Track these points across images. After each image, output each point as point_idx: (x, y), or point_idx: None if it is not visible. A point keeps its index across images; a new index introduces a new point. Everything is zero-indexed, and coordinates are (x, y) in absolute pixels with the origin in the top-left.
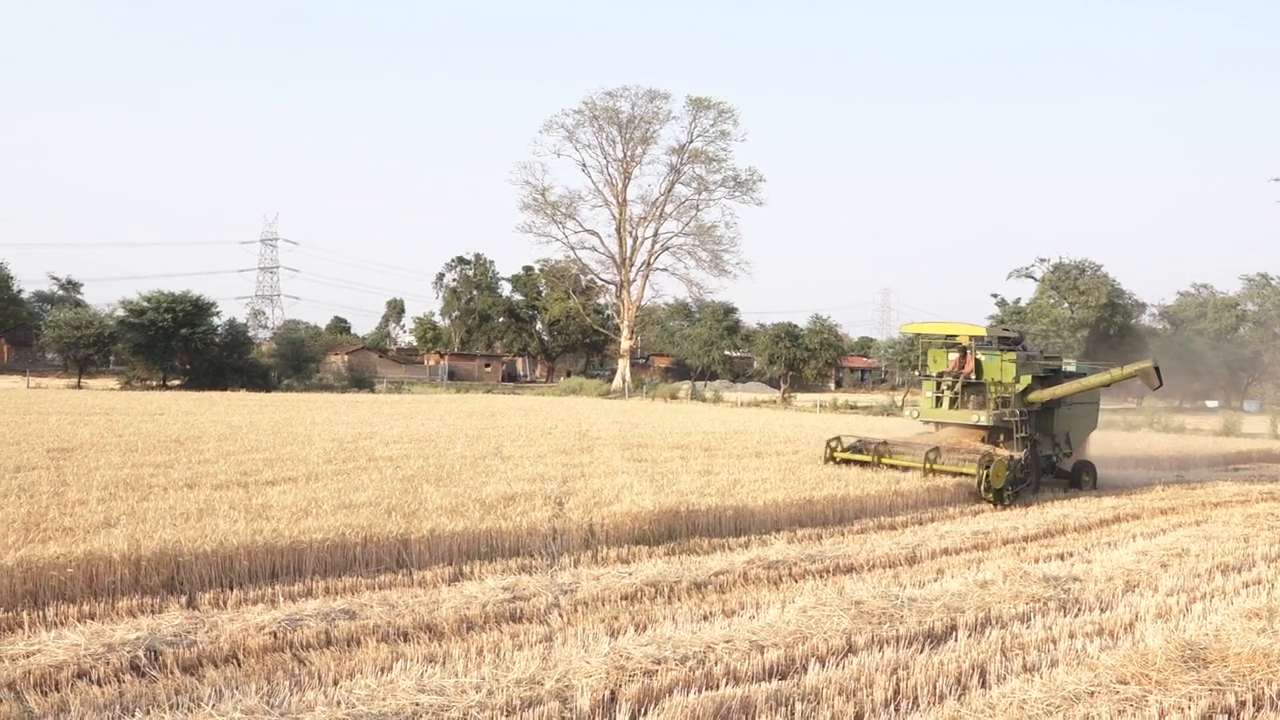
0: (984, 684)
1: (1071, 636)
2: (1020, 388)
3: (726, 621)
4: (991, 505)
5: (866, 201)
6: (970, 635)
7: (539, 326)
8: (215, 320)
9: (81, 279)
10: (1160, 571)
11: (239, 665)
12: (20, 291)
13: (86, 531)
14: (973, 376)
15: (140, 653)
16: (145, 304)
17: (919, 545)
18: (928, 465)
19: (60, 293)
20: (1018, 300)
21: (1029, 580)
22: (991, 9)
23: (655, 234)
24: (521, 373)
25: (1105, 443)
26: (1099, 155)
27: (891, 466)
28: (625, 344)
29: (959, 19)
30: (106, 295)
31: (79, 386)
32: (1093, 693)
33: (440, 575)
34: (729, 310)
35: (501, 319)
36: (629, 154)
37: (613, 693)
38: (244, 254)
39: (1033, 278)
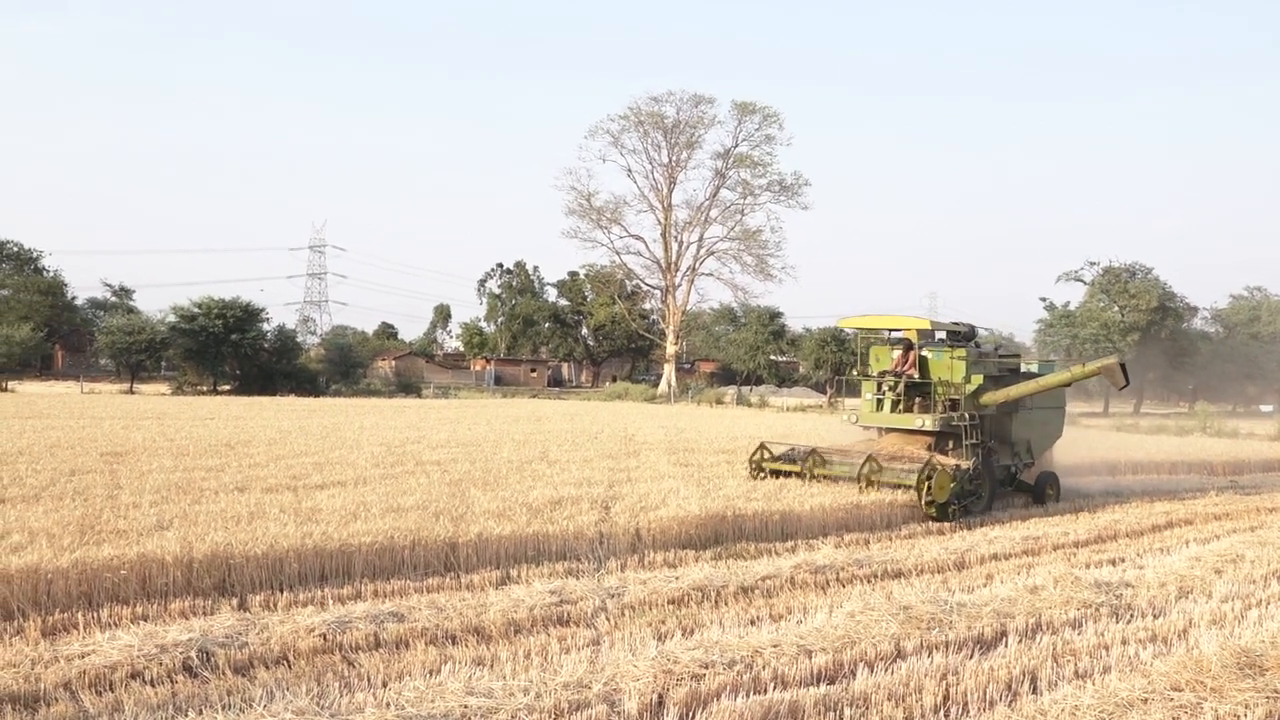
0: (1035, 690)
1: (1124, 643)
2: (971, 389)
3: (774, 626)
4: (934, 521)
5: (913, 203)
6: (1021, 641)
7: (584, 332)
8: (265, 326)
9: (134, 285)
10: (1214, 578)
11: (289, 667)
12: (74, 298)
13: (140, 534)
14: (915, 376)
15: (193, 654)
16: (196, 310)
17: (967, 550)
18: (863, 477)
19: (113, 299)
20: (1066, 304)
21: (1080, 586)
22: (1037, 7)
23: (700, 239)
24: (567, 378)
25: (1156, 447)
26: (1150, 155)
27: (823, 478)
28: (670, 349)
29: (1007, 18)
30: (158, 301)
31: (131, 391)
32: (1146, 700)
33: (488, 579)
34: (774, 314)
35: (547, 324)
36: (674, 159)
37: (660, 696)
38: (293, 260)
39: (1082, 281)
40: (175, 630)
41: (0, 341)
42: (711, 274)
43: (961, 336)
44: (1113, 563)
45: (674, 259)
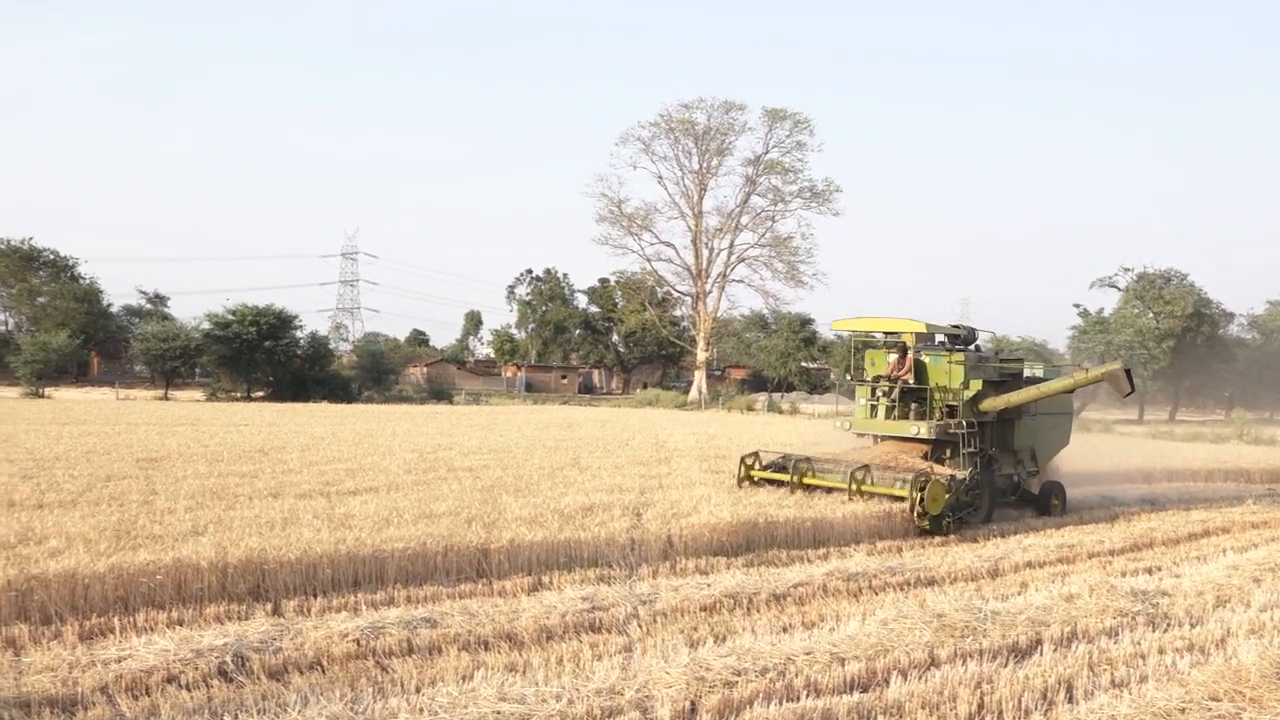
0: (1071, 699)
1: (1161, 652)
2: (970, 394)
3: (806, 633)
4: (927, 534)
5: (945, 208)
6: (1056, 650)
7: (615, 338)
8: (298, 333)
9: (169, 293)
10: (1253, 586)
11: (323, 672)
12: (110, 305)
13: (175, 539)
14: (910, 381)
15: (228, 658)
16: (230, 317)
17: (1001, 558)
18: (854, 486)
19: (148, 306)
20: (1100, 310)
21: (1116, 594)
22: (1069, 13)
23: (731, 245)
24: (598, 384)
25: (1192, 455)
26: (1185, 159)
27: (813, 487)
28: (701, 356)
29: (1040, 25)
30: (193, 309)
31: (166, 398)
32: (1184, 709)
33: (520, 585)
34: (805, 321)
35: (578, 331)
36: (705, 165)
37: (693, 703)
38: (325, 268)
39: (1116, 287)
40: (210, 635)
41: (38, 348)
42: (742, 280)
43: (960, 340)
44: (1149, 571)
45: (704, 265)
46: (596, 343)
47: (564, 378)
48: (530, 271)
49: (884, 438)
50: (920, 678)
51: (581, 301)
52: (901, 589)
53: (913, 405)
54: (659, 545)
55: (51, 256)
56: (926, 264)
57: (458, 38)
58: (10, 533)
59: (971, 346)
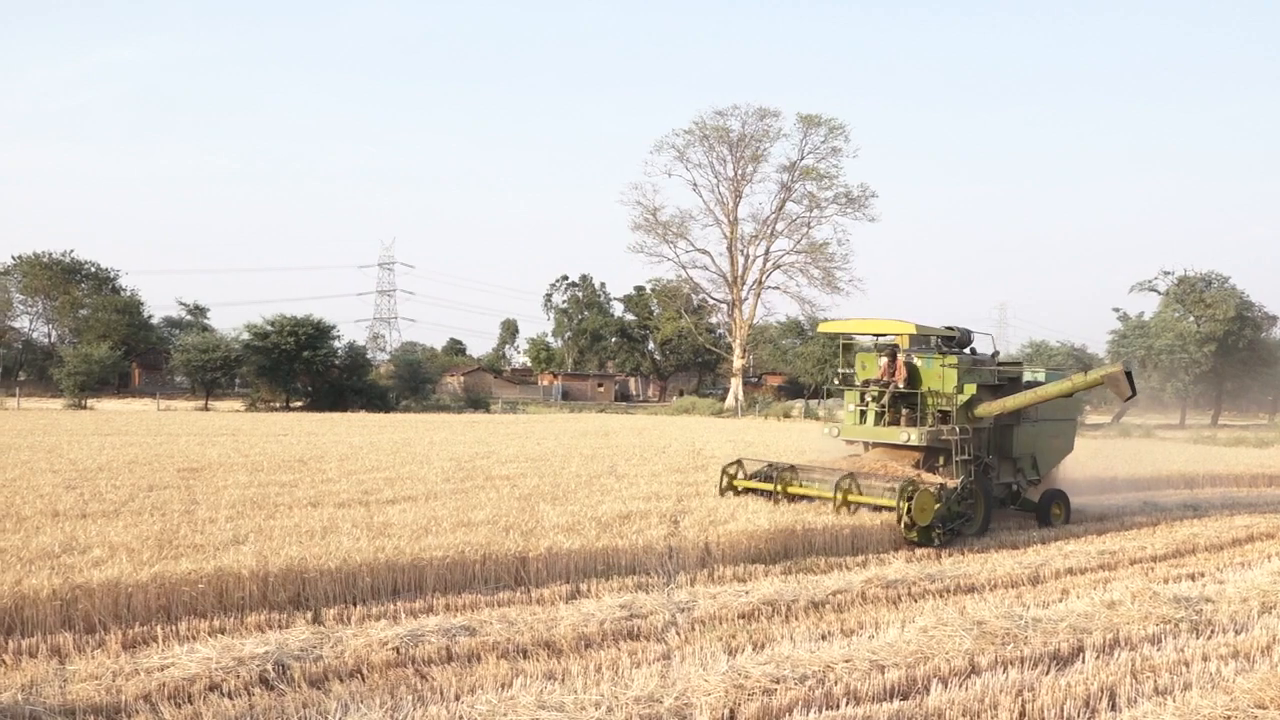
0: (1113, 707)
1: (1205, 659)
2: (963, 399)
3: (845, 641)
4: (915, 547)
5: (983, 214)
6: (1098, 657)
7: (651, 346)
8: (336, 343)
9: (208, 304)
10: None
11: (363, 680)
12: (150, 317)
13: (216, 548)
14: (901, 385)
15: (269, 667)
16: (269, 327)
17: (1042, 565)
18: (840, 496)
19: (188, 317)
20: (1140, 314)
21: (1159, 601)
22: (1110, 12)
23: (767, 252)
24: (634, 392)
25: (1235, 460)
26: (1226, 162)
27: (799, 497)
28: (737, 363)
29: (1077, 29)
30: (232, 319)
31: (206, 408)
32: (1229, 717)
33: (558, 593)
34: None
35: (614, 339)
36: (739, 172)
37: (732, 711)
38: (362, 278)
39: (1156, 291)
40: (251, 643)
41: (80, 360)
42: (778, 287)
43: (955, 342)
44: (1192, 577)
45: (740, 273)
46: (633, 350)
47: (600, 385)
48: (566, 278)
49: (874, 445)
50: (961, 685)
51: (617, 309)
52: (941, 596)
53: (904, 411)
54: (696, 553)
55: (93, 269)
56: (963, 269)
57: (492, 48)
58: (55, 542)
59: (967, 349)
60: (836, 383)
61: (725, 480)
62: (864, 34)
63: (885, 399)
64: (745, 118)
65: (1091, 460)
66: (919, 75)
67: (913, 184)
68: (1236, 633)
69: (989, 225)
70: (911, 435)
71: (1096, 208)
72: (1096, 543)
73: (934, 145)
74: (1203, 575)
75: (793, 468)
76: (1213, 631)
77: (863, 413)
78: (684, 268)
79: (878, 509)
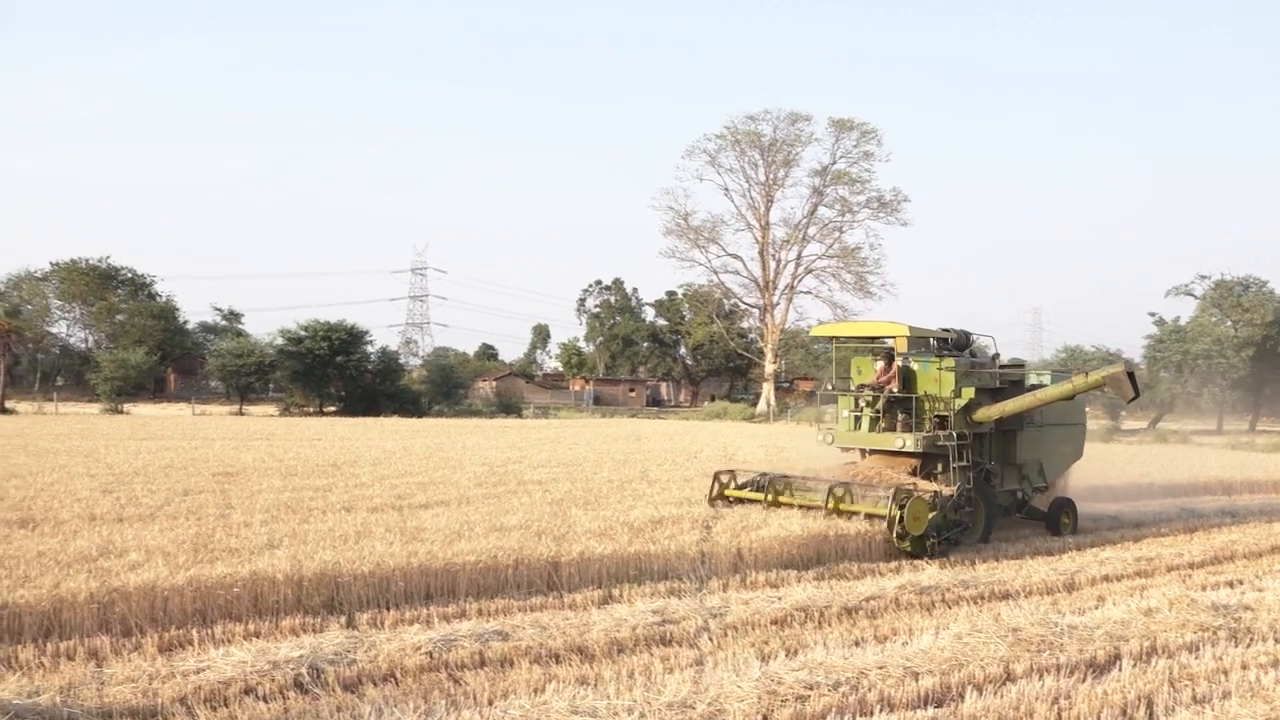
0: (1151, 716)
1: (1244, 667)
2: (961, 403)
3: (879, 647)
4: (909, 558)
5: (1016, 216)
6: (1135, 665)
7: (683, 351)
8: (368, 348)
9: (243, 309)
10: None
11: (397, 684)
12: (186, 322)
13: (251, 553)
14: (896, 390)
15: (303, 670)
16: (303, 333)
17: (1078, 571)
18: (831, 505)
19: (223, 323)
20: (1177, 319)
21: (1197, 608)
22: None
23: (798, 257)
24: (665, 397)
25: (1275, 466)
26: (1262, 164)
27: (791, 506)
28: (769, 368)
29: (1106, 25)
30: (266, 325)
31: (240, 413)
32: None
33: (590, 598)
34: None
35: (645, 344)
36: (771, 177)
37: (765, 717)
38: (395, 283)
39: (1192, 295)
40: (286, 647)
41: (116, 365)
42: (810, 292)
43: (952, 345)
44: (1230, 584)
45: (772, 277)
46: (664, 355)
47: (632, 391)
48: (599, 282)
49: (871, 452)
50: (996, 693)
51: (649, 314)
52: (975, 602)
53: (900, 416)
54: (729, 558)
55: (129, 275)
56: (997, 274)
57: (525, 52)
58: (92, 546)
59: (965, 351)
60: (830, 388)
61: (716, 488)
62: (894, 38)
63: (880, 404)
64: (776, 122)
65: (1128, 466)
66: (952, 79)
67: (946, 188)
68: (1276, 641)
69: (1023, 229)
70: (907, 441)
71: (1133, 211)
72: (1133, 549)
73: (967, 149)
74: (1241, 583)
75: (785, 477)
76: (1252, 639)
77: (857, 418)
78: (715, 273)
79: (870, 518)
